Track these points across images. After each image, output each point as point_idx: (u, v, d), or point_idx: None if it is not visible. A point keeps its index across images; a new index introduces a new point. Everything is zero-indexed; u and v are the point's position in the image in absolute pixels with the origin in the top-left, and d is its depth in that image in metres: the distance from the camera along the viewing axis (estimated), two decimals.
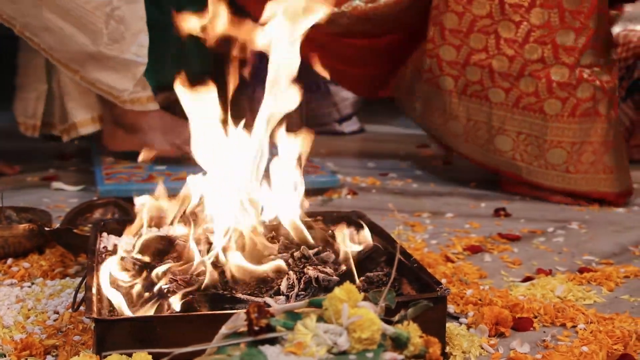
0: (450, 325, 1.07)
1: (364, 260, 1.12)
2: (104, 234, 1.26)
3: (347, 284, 0.81)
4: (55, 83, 2.01)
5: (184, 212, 1.17)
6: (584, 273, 1.33)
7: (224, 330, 0.80)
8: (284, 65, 1.14)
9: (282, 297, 1.01)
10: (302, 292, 1.02)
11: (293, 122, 2.93)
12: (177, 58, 2.31)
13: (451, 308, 1.16)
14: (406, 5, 2.00)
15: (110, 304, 1.00)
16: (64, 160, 2.20)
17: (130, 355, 0.87)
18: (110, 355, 0.88)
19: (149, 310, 0.98)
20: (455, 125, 1.93)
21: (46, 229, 1.34)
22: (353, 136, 2.77)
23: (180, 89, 1.13)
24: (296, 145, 1.16)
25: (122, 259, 1.09)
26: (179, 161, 1.87)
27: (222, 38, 1.14)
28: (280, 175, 1.17)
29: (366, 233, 1.16)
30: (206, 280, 1.00)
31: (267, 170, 1.17)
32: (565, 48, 1.75)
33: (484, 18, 1.82)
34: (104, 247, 1.20)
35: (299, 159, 1.16)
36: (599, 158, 1.78)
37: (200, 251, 1.07)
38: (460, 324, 1.11)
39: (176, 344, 0.83)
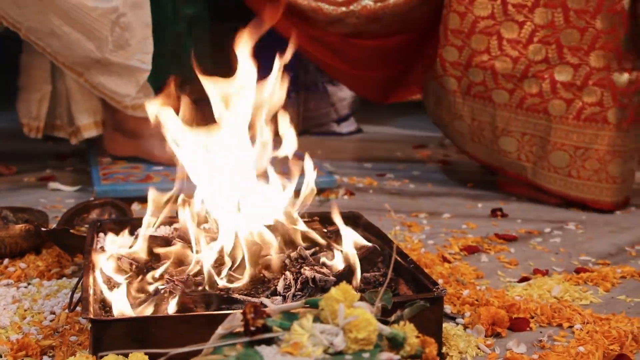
0: (447, 326, 1.07)
1: (361, 260, 1.12)
2: (101, 235, 1.25)
3: (343, 284, 0.81)
4: (60, 85, 2.02)
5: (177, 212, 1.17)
6: (581, 273, 1.33)
7: (220, 330, 0.80)
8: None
9: (279, 298, 1.01)
10: (299, 293, 1.02)
11: (291, 122, 2.92)
12: (176, 59, 2.31)
13: (448, 308, 1.16)
14: (416, 4, 1.97)
15: (106, 304, 1.00)
16: (60, 161, 2.19)
17: (126, 355, 0.88)
18: (106, 355, 0.88)
19: (145, 311, 0.98)
20: (461, 125, 1.92)
21: (43, 229, 1.34)
22: (350, 137, 2.77)
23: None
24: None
25: (119, 259, 1.09)
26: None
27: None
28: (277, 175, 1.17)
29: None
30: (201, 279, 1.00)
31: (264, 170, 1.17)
32: (570, 48, 1.72)
33: (486, 19, 1.80)
34: (100, 248, 1.20)
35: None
36: (604, 167, 1.72)
37: (197, 252, 1.07)
38: (457, 324, 1.11)
39: (172, 344, 0.83)
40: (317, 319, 0.80)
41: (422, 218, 1.70)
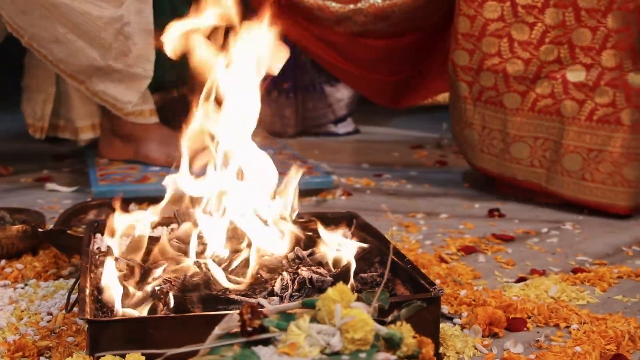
0: (444, 326, 1.07)
1: (358, 261, 1.12)
2: (98, 235, 1.25)
3: (340, 285, 0.81)
4: (64, 86, 2.02)
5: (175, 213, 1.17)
6: (578, 273, 1.33)
7: (217, 331, 0.80)
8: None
9: (276, 298, 1.01)
10: (296, 293, 1.02)
11: (288, 123, 2.94)
12: (172, 59, 2.31)
13: (445, 308, 1.16)
14: (423, 1, 1.95)
15: (103, 304, 1.00)
16: (58, 162, 2.19)
17: (123, 356, 0.88)
18: (103, 356, 0.88)
19: (142, 311, 0.98)
20: (471, 134, 1.87)
21: (40, 230, 1.34)
22: (348, 137, 2.77)
23: None
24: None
25: (116, 259, 1.09)
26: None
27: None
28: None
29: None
30: (200, 281, 1.00)
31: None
32: (582, 48, 1.68)
33: (496, 21, 1.76)
34: (97, 249, 1.20)
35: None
36: (618, 170, 1.68)
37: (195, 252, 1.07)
38: (454, 324, 1.11)
39: (169, 344, 0.83)
40: (314, 320, 0.80)
41: (420, 218, 1.70)
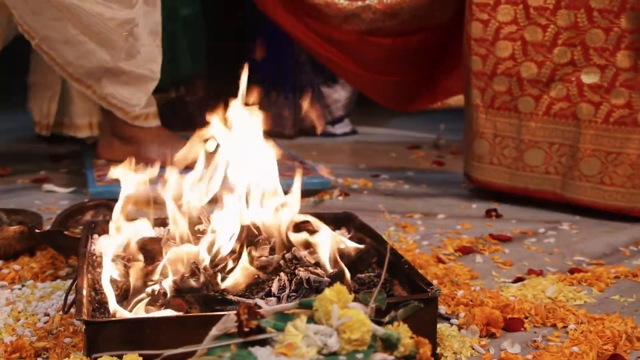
0: (442, 326, 1.07)
1: (356, 261, 1.12)
2: (95, 236, 1.25)
3: (337, 285, 0.81)
4: (65, 84, 2.03)
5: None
6: (575, 274, 1.33)
7: (214, 331, 0.80)
8: None
9: (274, 299, 1.01)
10: (294, 294, 1.02)
11: (286, 123, 2.93)
12: (171, 59, 2.32)
13: (442, 309, 1.16)
14: None
15: (100, 305, 1.00)
16: (55, 162, 2.19)
17: (120, 357, 0.87)
18: (101, 357, 0.88)
19: (139, 312, 0.98)
20: (480, 145, 1.83)
21: (37, 231, 1.34)
22: (345, 138, 2.77)
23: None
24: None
25: (114, 260, 1.09)
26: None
27: None
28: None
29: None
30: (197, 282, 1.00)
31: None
32: (595, 49, 1.66)
33: (509, 24, 1.74)
34: (94, 249, 1.20)
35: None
36: (637, 172, 1.65)
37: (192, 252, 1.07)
38: (452, 324, 1.11)
39: (167, 345, 0.83)
40: (311, 320, 0.80)
41: (417, 219, 1.70)
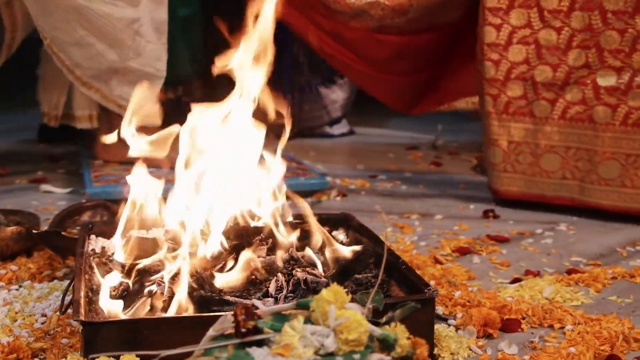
0: (439, 327, 1.07)
1: (353, 262, 1.12)
2: (92, 237, 1.25)
3: (334, 286, 0.81)
4: None
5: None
6: (572, 274, 1.33)
7: (211, 332, 0.80)
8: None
9: (271, 299, 1.01)
10: (291, 294, 1.02)
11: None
12: (169, 60, 2.31)
13: (440, 310, 1.16)
14: None
15: (98, 306, 1.00)
16: (52, 163, 2.19)
17: (118, 357, 0.88)
18: (98, 357, 0.88)
19: (136, 313, 0.98)
20: (494, 152, 1.81)
21: (34, 231, 1.34)
22: (342, 138, 2.77)
23: None
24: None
25: (111, 261, 1.09)
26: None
27: None
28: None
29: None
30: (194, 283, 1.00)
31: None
32: (610, 51, 1.65)
33: (523, 28, 1.73)
34: (92, 250, 1.20)
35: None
36: None
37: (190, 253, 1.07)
38: (449, 325, 1.11)
39: (164, 346, 0.83)
40: (308, 321, 0.80)
41: (414, 219, 1.70)
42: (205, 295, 0.99)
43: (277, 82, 2.80)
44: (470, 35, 1.90)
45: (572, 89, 1.69)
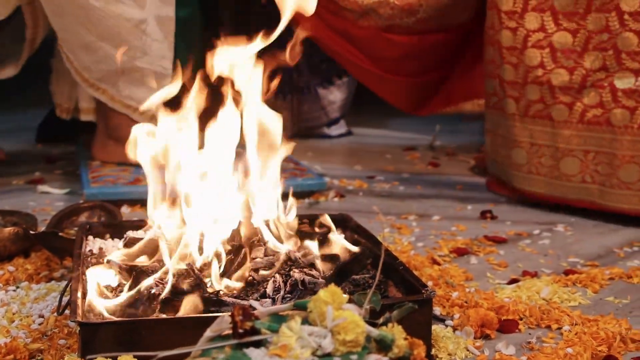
0: (436, 328, 1.07)
1: (351, 262, 1.12)
2: (90, 238, 1.25)
3: (331, 287, 0.81)
4: None
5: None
6: (569, 275, 1.33)
7: (208, 333, 0.80)
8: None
9: (268, 300, 1.01)
10: (289, 295, 1.02)
11: (284, 125, 2.92)
12: None
13: (437, 310, 1.16)
14: None
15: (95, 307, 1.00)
16: (50, 164, 2.19)
17: (115, 358, 0.88)
18: (95, 358, 0.88)
19: (134, 313, 0.98)
20: (518, 154, 1.80)
21: (32, 232, 1.34)
22: (340, 139, 2.77)
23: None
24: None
25: (109, 262, 1.09)
26: None
27: None
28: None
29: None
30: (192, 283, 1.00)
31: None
32: (628, 53, 1.61)
33: (537, 32, 1.71)
34: (89, 251, 1.20)
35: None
36: None
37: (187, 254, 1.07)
38: (446, 326, 1.11)
39: (161, 346, 0.83)
40: (305, 321, 0.80)
41: (412, 220, 1.70)
42: (203, 296, 0.99)
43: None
44: (478, 36, 1.89)
45: (590, 92, 1.67)
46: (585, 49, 1.67)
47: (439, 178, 2.14)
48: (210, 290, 1.01)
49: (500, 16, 1.76)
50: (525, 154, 1.79)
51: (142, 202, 1.68)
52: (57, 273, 1.30)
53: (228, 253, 1.09)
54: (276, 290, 1.02)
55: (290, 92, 2.67)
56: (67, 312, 1.04)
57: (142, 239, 1.14)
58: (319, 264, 1.09)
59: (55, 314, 1.09)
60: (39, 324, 1.09)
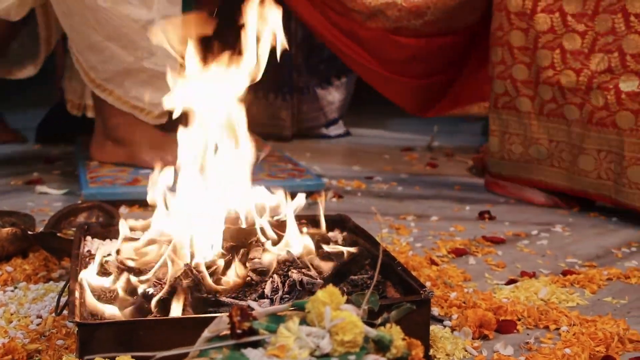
0: (435, 328, 1.07)
1: (349, 263, 1.12)
2: (88, 238, 1.25)
3: (330, 287, 0.81)
4: None
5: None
6: (568, 275, 1.34)
7: (206, 333, 0.80)
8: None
9: (267, 300, 1.01)
10: (287, 296, 1.02)
11: (284, 125, 2.93)
12: None
13: (435, 311, 1.16)
14: (461, 0, 1.91)
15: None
16: (48, 164, 2.19)
17: (113, 358, 0.87)
18: (93, 359, 0.88)
19: (132, 314, 0.98)
20: (538, 151, 1.81)
21: (30, 232, 1.34)
22: (339, 140, 2.77)
23: None
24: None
25: (106, 262, 1.09)
26: None
27: None
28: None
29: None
30: (189, 283, 1.00)
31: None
32: (633, 55, 1.61)
33: (547, 33, 1.72)
34: (87, 251, 1.20)
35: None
36: None
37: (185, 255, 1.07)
38: (445, 326, 1.11)
39: (159, 347, 0.83)
40: (303, 322, 0.80)
41: (410, 221, 1.70)
42: (201, 297, 0.99)
43: (277, 83, 2.82)
44: (485, 39, 1.89)
45: (596, 94, 1.67)
46: (592, 50, 1.67)
47: (437, 179, 2.14)
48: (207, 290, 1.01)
49: (510, 17, 1.77)
50: (546, 150, 1.80)
51: (140, 203, 1.68)
52: (55, 273, 1.30)
53: (226, 253, 1.09)
54: (274, 290, 1.02)
55: (290, 92, 2.67)
56: (65, 312, 1.04)
57: (139, 239, 1.14)
58: (317, 264, 1.09)
59: (53, 314, 1.09)
60: (37, 325, 1.09)
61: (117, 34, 1.77)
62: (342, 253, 1.14)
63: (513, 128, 1.87)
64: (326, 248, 1.16)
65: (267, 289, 1.02)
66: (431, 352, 1.01)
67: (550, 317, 1.14)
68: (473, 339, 1.07)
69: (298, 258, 1.09)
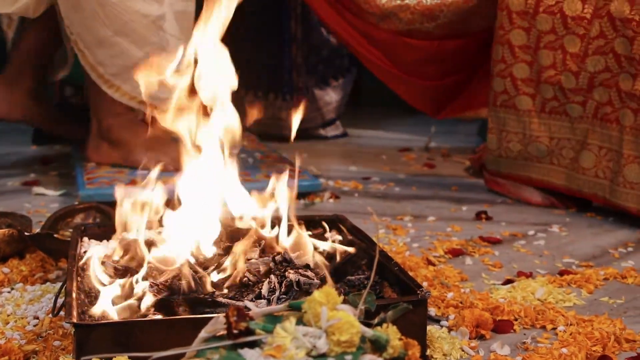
0: (432, 328, 1.07)
1: (345, 263, 1.12)
2: (85, 239, 1.25)
3: (326, 287, 0.81)
4: None
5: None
6: (564, 275, 1.34)
7: (203, 333, 0.80)
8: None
9: (263, 301, 1.01)
10: (284, 296, 1.02)
11: (285, 125, 2.93)
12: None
13: (432, 311, 1.16)
14: (474, 4, 1.92)
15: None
16: (45, 165, 2.19)
17: (110, 359, 0.87)
18: (89, 359, 0.88)
19: (129, 315, 0.98)
20: (538, 148, 1.82)
21: (26, 234, 1.33)
22: (336, 140, 2.77)
23: None
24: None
25: (103, 263, 1.09)
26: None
27: None
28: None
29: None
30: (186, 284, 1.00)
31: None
32: (625, 57, 1.61)
33: (549, 33, 1.72)
34: (84, 252, 1.20)
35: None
36: None
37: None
38: (441, 326, 1.11)
39: (156, 347, 0.83)
40: (300, 322, 0.80)
41: (407, 221, 1.70)
42: (198, 297, 0.99)
43: (277, 83, 2.82)
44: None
45: (599, 90, 1.68)
46: (587, 54, 1.67)
47: (434, 179, 2.14)
48: (204, 290, 1.01)
49: (512, 16, 1.77)
50: (546, 148, 1.81)
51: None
52: (52, 274, 1.30)
53: (224, 254, 1.09)
54: (271, 291, 1.02)
55: (290, 92, 2.67)
56: (61, 313, 1.04)
57: (135, 240, 1.14)
58: (314, 264, 1.10)
59: (50, 315, 1.09)
60: (34, 326, 1.09)
61: (127, 29, 1.76)
62: (338, 253, 1.14)
63: (511, 126, 1.87)
64: (323, 248, 1.16)
65: (264, 290, 1.03)
66: (428, 352, 1.01)
67: (547, 317, 1.14)
68: (470, 339, 1.07)
69: (295, 258, 1.09)
